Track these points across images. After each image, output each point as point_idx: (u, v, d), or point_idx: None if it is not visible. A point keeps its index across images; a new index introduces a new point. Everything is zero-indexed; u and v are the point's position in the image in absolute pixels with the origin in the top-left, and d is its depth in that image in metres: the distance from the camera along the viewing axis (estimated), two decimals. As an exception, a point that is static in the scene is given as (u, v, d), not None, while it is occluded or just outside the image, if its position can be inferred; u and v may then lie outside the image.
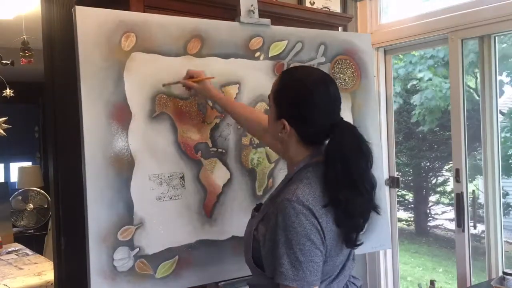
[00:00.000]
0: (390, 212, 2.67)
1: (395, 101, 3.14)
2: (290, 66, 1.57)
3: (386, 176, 2.70)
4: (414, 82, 5.31)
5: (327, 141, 1.28)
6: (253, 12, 1.87)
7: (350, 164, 1.22)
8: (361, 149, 1.25)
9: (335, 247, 1.25)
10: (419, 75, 4.96)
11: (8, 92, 3.94)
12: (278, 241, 1.18)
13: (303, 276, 1.16)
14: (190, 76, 1.67)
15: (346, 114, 2.10)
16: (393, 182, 2.72)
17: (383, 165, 2.59)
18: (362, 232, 1.28)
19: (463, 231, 2.29)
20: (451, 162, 2.24)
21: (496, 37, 2.26)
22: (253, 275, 1.37)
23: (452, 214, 2.49)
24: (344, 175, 1.21)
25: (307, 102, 1.26)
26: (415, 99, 5.16)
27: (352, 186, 1.21)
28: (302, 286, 1.16)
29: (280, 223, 1.18)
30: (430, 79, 4.78)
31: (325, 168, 1.24)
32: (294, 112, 1.27)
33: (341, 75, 2.11)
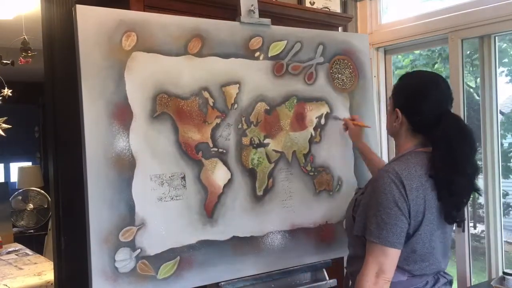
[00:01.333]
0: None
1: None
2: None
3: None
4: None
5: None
6: (254, 12, 1.87)
7: (454, 147, 1.37)
8: (466, 136, 1.40)
9: (433, 221, 1.38)
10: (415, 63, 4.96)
11: (6, 92, 3.93)
12: (371, 204, 1.37)
13: (386, 236, 1.32)
14: (352, 118, 2.06)
15: (344, 114, 2.11)
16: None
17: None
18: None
19: (463, 231, 2.28)
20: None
21: (496, 37, 2.26)
22: (354, 246, 1.53)
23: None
24: (449, 156, 1.36)
25: (418, 94, 1.45)
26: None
27: (455, 167, 1.36)
28: (383, 244, 1.32)
29: (375, 188, 1.38)
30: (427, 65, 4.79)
31: (433, 150, 1.40)
32: (406, 103, 1.47)
33: (339, 75, 2.11)
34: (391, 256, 1.33)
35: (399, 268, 1.38)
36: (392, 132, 1.54)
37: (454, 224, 1.48)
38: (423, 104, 1.44)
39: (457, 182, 1.36)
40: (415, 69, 2.23)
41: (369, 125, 2.11)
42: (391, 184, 1.34)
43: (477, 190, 1.45)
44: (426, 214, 1.36)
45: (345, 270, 1.64)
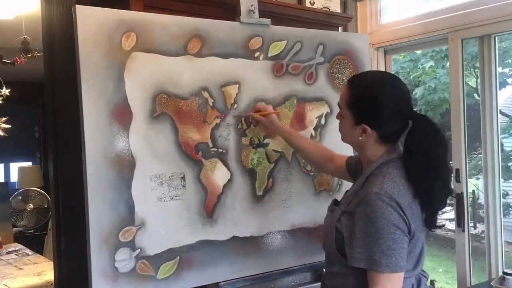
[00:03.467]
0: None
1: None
2: (357, 74, 1.62)
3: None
4: (417, 73, 5.28)
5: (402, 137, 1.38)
6: (254, 12, 1.87)
7: (431, 155, 1.31)
8: (440, 138, 1.34)
9: (419, 232, 1.33)
10: (422, 66, 4.95)
11: (4, 91, 3.93)
12: (370, 232, 1.27)
13: (396, 262, 1.26)
14: (257, 110, 1.83)
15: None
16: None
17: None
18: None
19: (463, 231, 2.29)
20: (451, 162, 2.24)
21: (496, 37, 2.26)
22: (333, 265, 1.45)
23: (452, 214, 2.49)
24: (427, 166, 1.30)
25: (381, 104, 1.36)
26: (418, 91, 5.14)
27: (434, 173, 1.31)
28: (395, 271, 1.26)
29: (370, 214, 1.27)
30: (431, 67, 4.77)
31: (406, 162, 1.34)
32: (372, 116, 1.37)
33: (340, 75, 2.11)
34: (399, 279, 1.28)
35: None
36: (357, 145, 1.46)
37: None
38: (390, 111, 1.35)
39: (437, 188, 1.32)
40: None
41: (279, 111, 1.89)
42: (388, 208, 1.26)
43: (451, 193, 1.41)
44: (417, 225, 1.33)
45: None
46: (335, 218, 1.42)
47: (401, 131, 1.37)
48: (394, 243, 1.26)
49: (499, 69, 2.37)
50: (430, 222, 1.36)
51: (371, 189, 1.30)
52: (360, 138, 1.39)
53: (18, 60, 3.38)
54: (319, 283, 1.97)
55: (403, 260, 1.27)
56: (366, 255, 1.28)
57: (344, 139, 1.49)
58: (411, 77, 5.35)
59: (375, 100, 1.36)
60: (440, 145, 1.33)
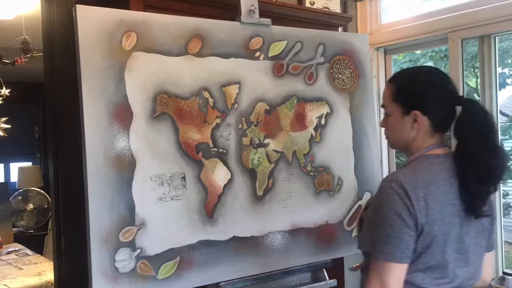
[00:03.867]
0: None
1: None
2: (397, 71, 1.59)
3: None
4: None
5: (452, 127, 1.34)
6: (254, 12, 1.87)
7: (485, 132, 1.29)
8: (490, 121, 1.31)
9: (439, 231, 1.25)
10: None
11: (4, 91, 3.92)
12: (374, 217, 1.29)
13: (390, 251, 1.23)
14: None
15: (344, 114, 2.11)
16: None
17: (382, 165, 2.59)
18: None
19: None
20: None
21: (496, 37, 2.26)
22: (365, 258, 1.41)
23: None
24: (482, 140, 1.28)
25: (428, 86, 1.33)
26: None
27: (490, 150, 1.28)
28: (387, 260, 1.23)
29: (378, 200, 1.29)
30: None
31: (460, 141, 1.30)
32: (420, 100, 1.33)
33: (340, 75, 2.11)
34: (396, 271, 1.23)
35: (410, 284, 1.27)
36: (407, 139, 1.36)
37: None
38: (439, 94, 1.32)
39: (494, 164, 1.26)
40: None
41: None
42: (394, 195, 1.23)
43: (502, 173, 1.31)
44: (439, 225, 1.25)
45: (345, 270, 1.62)
46: (364, 208, 1.47)
47: (451, 118, 1.33)
48: (392, 230, 1.23)
49: (499, 70, 2.37)
50: (474, 208, 1.28)
51: (388, 177, 1.32)
52: (412, 128, 1.33)
53: (18, 60, 3.38)
54: (319, 283, 1.98)
55: (399, 250, 1.22)
56: (370, 239, 1.29)
57: (394, 139, 1.42)
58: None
59: (420, 83, 1.34)
60: (492, 128, 1.31)
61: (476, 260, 1.33)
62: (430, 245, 1.25)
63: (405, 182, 1.24)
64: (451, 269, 1.28)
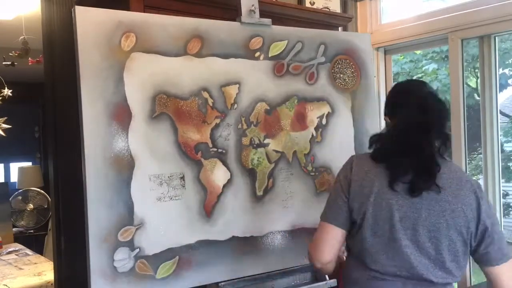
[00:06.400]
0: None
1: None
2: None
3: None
4: (420, 75, 5.28)
5: None
6: (254, 12, 1.87)
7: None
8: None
9: (366, 210, 1.33)
10: (424, 68, 4.94)
11: (6, 92, 3.92)
12: None
13: (325, 212, 1.43)
14: None
15: (346, 114, 2.10)
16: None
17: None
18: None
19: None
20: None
21: (497, 37, 2.26)
22: None
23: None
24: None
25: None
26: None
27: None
28: (322, 219, 1.42)
29: None
30: (434, 70, 4.77)
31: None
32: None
33: (341, 75, 2.10)
34: (324, 229, 1.38)
35: (357, 259, 1.38)
36: None
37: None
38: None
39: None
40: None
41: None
42: (344, 166, 1.42)
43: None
44: (376, 199, 1.30)
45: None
46: None
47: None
48: (330, 195, 1.43)
49: (500, 70, 2.37)
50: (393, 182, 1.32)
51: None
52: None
53: (32, 60, 3.40)
54: (319, 283, 1.97)
55: (331, 213, 1.39)
56: None
57: None
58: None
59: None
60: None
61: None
62: (365, 220, 1.34)
63: (357, 157, 1.45)
64: (400, 254, 1.30)
